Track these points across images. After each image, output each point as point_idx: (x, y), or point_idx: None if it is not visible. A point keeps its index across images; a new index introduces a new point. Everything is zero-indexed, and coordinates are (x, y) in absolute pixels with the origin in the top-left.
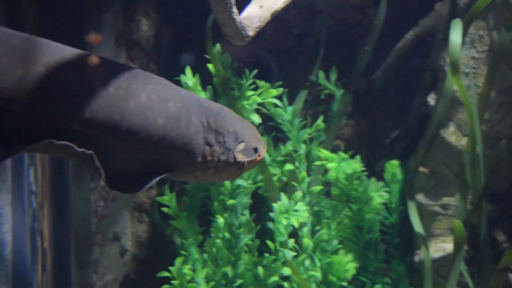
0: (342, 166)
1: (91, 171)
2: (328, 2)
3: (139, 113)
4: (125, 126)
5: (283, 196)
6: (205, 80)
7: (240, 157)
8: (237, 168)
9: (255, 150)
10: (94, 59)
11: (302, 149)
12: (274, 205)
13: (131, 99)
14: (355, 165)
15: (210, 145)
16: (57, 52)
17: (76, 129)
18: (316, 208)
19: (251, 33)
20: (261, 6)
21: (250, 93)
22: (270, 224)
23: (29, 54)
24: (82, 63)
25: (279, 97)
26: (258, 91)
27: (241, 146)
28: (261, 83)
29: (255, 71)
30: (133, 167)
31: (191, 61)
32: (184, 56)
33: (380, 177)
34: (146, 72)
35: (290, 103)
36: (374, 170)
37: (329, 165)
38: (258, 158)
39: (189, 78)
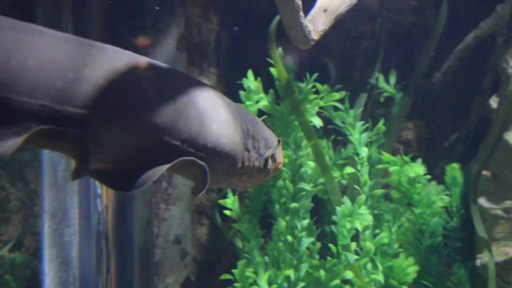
0: (405, 169)
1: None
2: (386, 4)
3: (198, 120)
4: (187, 132)
5: (347, 200)
6: (264, 83)
7: (270, 163)
8: (265, 174)
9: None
10: (159, 67)
11: (364, 152)
12: (338, 208)
13: (192, 106)
14: (418, 168)
15: (248, 150)
16: (129, 60)
17: (149, 135)
18: (376, 211)
19: (316, 36)
20: (325, 10)
21: (312, 96)
22: (333, 227)
23: (109, 63)
24: (150, 71)
25: (340, 100)
26: (321, 95)
27: (270, 152)
28: (321, 87)
29: (315, 75)
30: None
31: (250, 65)
32: (243, 59)
33: (438, 180)
34: (196, 78)
35: (351, 105)
36: (432, 173)
37: (392, 168)
38: (279, 166)
39: (251, 81)
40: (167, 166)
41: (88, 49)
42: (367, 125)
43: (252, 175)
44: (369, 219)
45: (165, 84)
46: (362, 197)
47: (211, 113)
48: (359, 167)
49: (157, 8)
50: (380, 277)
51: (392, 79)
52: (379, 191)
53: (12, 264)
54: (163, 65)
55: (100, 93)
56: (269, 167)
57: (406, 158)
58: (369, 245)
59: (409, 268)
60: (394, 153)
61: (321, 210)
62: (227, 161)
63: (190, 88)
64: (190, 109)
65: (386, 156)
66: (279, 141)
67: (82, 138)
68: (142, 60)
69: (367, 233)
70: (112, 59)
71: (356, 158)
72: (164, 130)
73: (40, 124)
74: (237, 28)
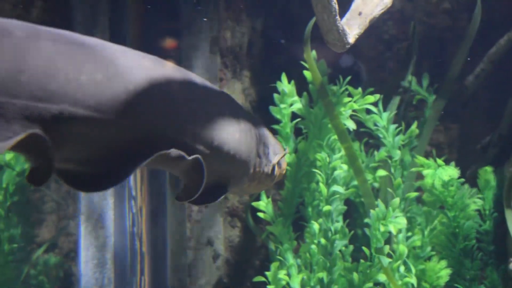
0: (439, 172)
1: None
2: (419, 7)
3: (227, 129)
4: (218, 140)
5: (380, 203)
6: (296, 86)
7: (277, 169)
8: (271, 180)
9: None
10: (192, 80)
11: (397, 155)
12: (372, 211)
13: (222, 115)
14: (452, 171)
15: (260, 157)
16: (167, 71)
17: (187, 143)
18: (408, 214)
19: (351, 40)
20: (360, 13)
21: (346, 99)
22: (366, 230)
23: (153, 73)
24: (185, 82)
25: (372, 103)
26: (355, 98)
27: (277, 158)
28: (354, 90)
29: (348, 78)
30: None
31: (282, 68)
32: (276, 62)
33: (470, 183)
34: (215, 86)
35: (383, 108)
36: (464, 175)
37: (425, 171)
38: (283, 172)
39: (285, 84)
40: (146, 160)
41: (141, 60)
42: (400, 128)
43: (261, 180)
44: (403, 222)
45: (199, 94)
46: (397, 200)
47: (234, 122)
48: (392, 170)
49: (205, 21)
50: (413, 280)
51: (425, 82)
52: (412, 194)
53: (46, 265)
54: (193, 75)
55: (141, 102)
56: (275, 173)
57: (440, 161)
58: (402, 248)
59: (442, 271)
60: (426, 155)
61: (353, 213)
62: (243, 167)
63: (218, 97)
64: (221, 119)
65: (420, 159)
66: (285, 149)
67: (46, 140)
68: (179, 72)
69: (400, 236)
70: (155, 70)
71: (389, 161)
72: (200, 138)
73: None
74: (283, 41)
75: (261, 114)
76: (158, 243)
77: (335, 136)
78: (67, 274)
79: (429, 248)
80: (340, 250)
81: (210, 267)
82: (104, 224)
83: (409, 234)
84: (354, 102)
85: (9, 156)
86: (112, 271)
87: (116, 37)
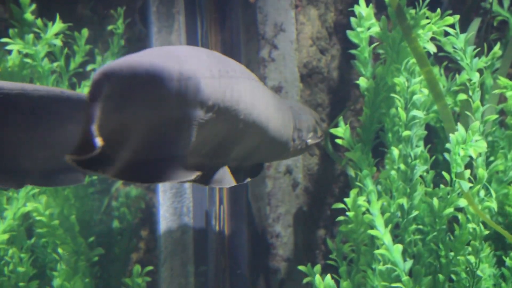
0: None
1: None
2: None
3: (277, 121)
4: (280, 133)
5: (460, 127)
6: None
7: (310, 142)
8: (304, 150)
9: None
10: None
11: (476, 78)
12: (451, 135)
13: (282, 113)
14: None
15: (294, 140)
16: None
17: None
18: (490, 138)
19: None
20: None
21: (425, 21)
22: (446, 155)
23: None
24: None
25: (452, 26)
26: (433, 20)
27: (311, 134)
28: (431, 13)
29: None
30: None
31: None
32: None
33: None
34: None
35: (463, 31)
36: None
37: (509, 93)
38: (318, 140)
39: (362, 7)
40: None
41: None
42: (478, 49)
43: (295, 153)
44: (483, 145)
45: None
46: (476, 123)
47: (282, 115)
48: (470, 93)
49: None
50: (494, 205)
51: (506, 2)
52: (492, 117)
53: (127, 197)
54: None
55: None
56: (309, 144)
57: None
58: (481, 172)
59: None
60: (510, 78)
61: (433, 138)
62: (282, 149)
63: (264, 92)
64: (280, 117)
65: (503, 80)
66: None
67: None
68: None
69: (480, 160)
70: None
71: (468, 84)
72: (259, 127)
73: None
74: None
75: (337, 41)
76: None
77: (414, 60)
78: (148, 205)
79: None
80: (421, 176)
81: (289, 196)
82: None
83: (492, 158)
84: (433, 24)
85: None
86: (191, 200)
87: None
